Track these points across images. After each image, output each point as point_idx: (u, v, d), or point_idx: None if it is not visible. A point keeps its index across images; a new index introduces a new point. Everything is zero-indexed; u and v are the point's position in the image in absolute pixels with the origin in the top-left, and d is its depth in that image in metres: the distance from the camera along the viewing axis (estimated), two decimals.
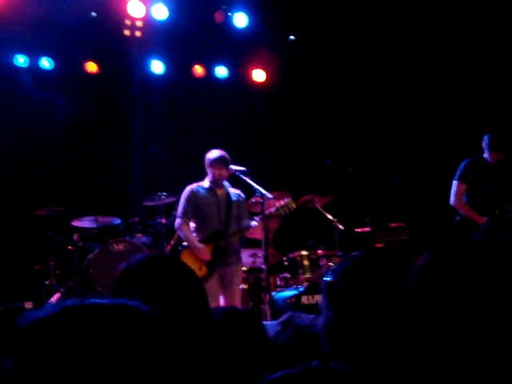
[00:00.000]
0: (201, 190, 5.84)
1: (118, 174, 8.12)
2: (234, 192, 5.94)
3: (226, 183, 5.90)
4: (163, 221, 7.12)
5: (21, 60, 7.79)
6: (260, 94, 8.67)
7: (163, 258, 2.01)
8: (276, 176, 8.02)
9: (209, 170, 5.80)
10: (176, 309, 1.74)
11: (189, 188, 5.87)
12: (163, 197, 7.23)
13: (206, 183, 5.85)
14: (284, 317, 2.23)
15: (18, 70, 7.83)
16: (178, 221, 5.87)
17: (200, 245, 5.70)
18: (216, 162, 5.71)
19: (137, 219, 7.36)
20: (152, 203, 7.34)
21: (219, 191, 5.85)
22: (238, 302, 5.71)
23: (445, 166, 6.71)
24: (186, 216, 5.81)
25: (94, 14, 7.55)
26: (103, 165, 8.12)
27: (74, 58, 8.06)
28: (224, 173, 5.74)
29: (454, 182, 6.04)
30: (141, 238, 7.21)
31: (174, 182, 7.33)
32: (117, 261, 6.64)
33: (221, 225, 5.78)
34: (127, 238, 7.14)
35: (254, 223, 5.77)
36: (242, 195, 5.96)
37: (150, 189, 7.42)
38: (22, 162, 7.86)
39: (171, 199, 7.23)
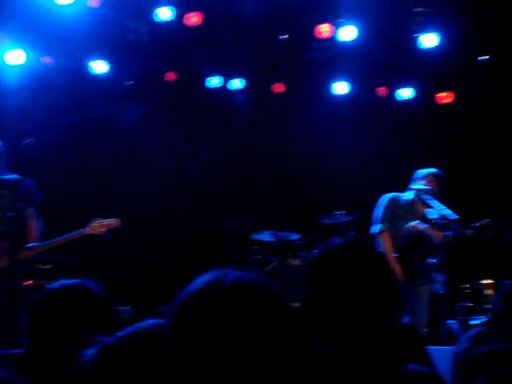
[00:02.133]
0: (401, 201, 5.77)
1: (299, 192, 8.33)
2: (436, 213, 5.61)
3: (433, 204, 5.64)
4: (339, 239, 7.13)
5: (214, 81, 8.37)
6: (447, 116, 8.42)
7: (366, 246, 1.79)
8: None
9: (415, 183, 5.71)
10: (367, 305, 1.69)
11: (390, 196, 5.77)
12: (339, 216, 7.30)
13: (407, 195, 5.79)
14: (474, 331, 2.14)
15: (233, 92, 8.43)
16: (376, 227, 5.68)
17: (395, 262, 5.39)
18: (430, 174, 5.66)
19: (314, 236, 7.48)
20: (329, 221, 7.42)
21: (419, 207, 5.70)
22: (422, 326, 5.49)
23: None
24: (387, 223, 5.64)
25: (284, 36, 7.86)
26: (284, 181, 8.38)
27: (263, 80, 8.48)
28: (431, 187, 5.62)
29: None
30: None
31: (352, 203, 7.36)
32: (293, 275, 6.80)
33: (410, 242, 5.61)
34: (304, 253, 7.27)
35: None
36: (453, 216, 5.46)
37: (327, 207, 7.51)
38: (209, 176, 8.40)
39: (348, 218, 7.27)
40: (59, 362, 1.75)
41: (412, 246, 5.58)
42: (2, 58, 6.84)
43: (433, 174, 5.68)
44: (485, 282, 6.53)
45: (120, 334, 1.32)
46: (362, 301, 1.56)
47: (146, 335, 1.29)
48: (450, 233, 5.47)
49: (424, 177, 5.68)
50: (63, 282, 2.01)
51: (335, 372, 1.50)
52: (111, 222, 4.74)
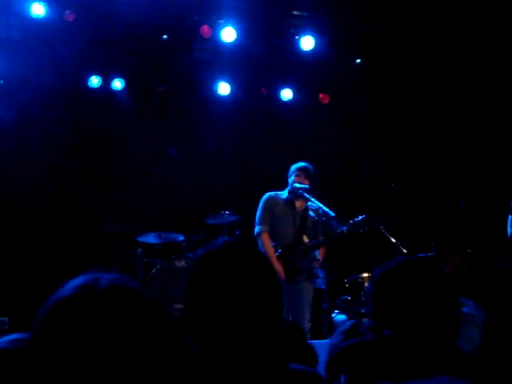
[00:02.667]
0: (278, 199, 5.77)
1: (183, 192, 8.29)
2: (316, 207, 5.59)
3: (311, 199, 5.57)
4: (225, 239, 7.16)
5: (94, 81, 8.12)
6: (325, 117, 8.70)
7: (247, 247, 1.76)
8: (340, 197, 7.98)
9: (290, 179, 5.74)
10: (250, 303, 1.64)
11: (267, 194, 5.80)
12: (226, 215, 7.30)
13: (284, 193, 5.82)
14: (347, 325, 2.21)
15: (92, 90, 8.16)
16: (256, 228, 5.68)
17: (277, 261, 5.42)
18: (298, 169, 5.65)
19: (200, 237, 7.45)
20: (215, 221, 7.42)
21: (298, 203, 5.73)
22: (306, 322, 5.60)
23: None
24: (265, 223, 5.65)
25: (165, 36, 7.78)
26: (169, 182, 8.31)
27: (145, 80, 8.34)
28: (306, 184, 5.57)
29: (510, 217, 5.99)
30: None
31: (238, 201, 7.41)
32: (178, 277, 6.75)
33: (293, 239, 5.63)
34: (190, 254, 7.23)
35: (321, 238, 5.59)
36: (330, 213, 5.40)
37: (213, 207, 7.51)
38: (89, 177, 8.15)
39: (234, 218, 7.30)
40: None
41: (293, 243, 5.67)
42: None
43: (300, 169, 5.62)
44: (364, 275, 6.80)
45: None
46: (244, 301, 1.56)
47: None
48: (334, 228, 5.57)
49: (293, 172, 5.70)
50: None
51: (212, 373, 1.50)
52: None
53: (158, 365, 0.97)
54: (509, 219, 6.09)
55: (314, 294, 6.74)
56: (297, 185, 5.60)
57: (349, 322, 2.20)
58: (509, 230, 6.06)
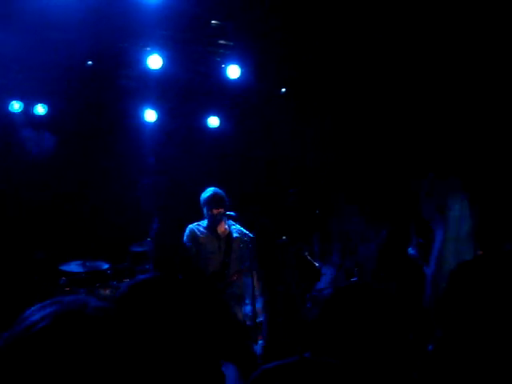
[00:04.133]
0: (200, 229, 5.77)
1: (107, 219, 8.14)
2: (238, 230, 5.70)
3: (230, 221, 5.72)
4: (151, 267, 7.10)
5: (16, 106, 7.93)
6: (251, 144, 8.83)
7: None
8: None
9: (204, 210, 5.74)
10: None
11: (188, 227, 5.81)
12: (151, 243, 7.23)
13: (205, 222, 5.79)
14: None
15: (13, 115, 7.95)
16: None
17: None
18: (208, 202, 5.67)
19: (125, 264, 7.34)
20: (141, 249, 7.34)
21: (220, 229, 5.76)
22: None
23: None
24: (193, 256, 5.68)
25: (89, 62, 7.70)
26: (93, 208, 8.16)
27: (69, 105, 8.21)
28: (221, 211, 5.62)
29: None
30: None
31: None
32: None
33: (220, 265, 5.66)
34: (114, 283, 7.10)
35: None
36: (250, 235, 5.50)
37: (139, 234, 7.43)
38: (7, 205, 7.89)
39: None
40: None
41: (220, 269, 5.70)
42: None
43: (209, 201, 5.66)
44: None
45: None
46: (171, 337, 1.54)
47: None
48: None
49: (204, 204, 5.73)
50: None
51: None
52: None
53: None
54: None
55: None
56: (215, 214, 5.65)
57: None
58: None
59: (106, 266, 7.34)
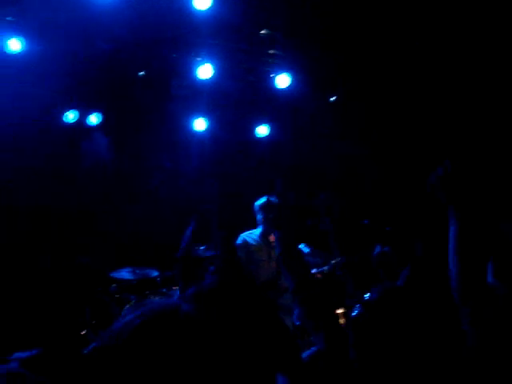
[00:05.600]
0: (253, 237, 5.76)
1: (158, 226, 8.24)
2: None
3: None
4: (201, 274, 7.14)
5: (70, 116, 8.14)
6: (301, 153, 8.81)
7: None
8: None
9: (258, 216, 5.72)
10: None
11: (240, 236, 5.81)
12: (201, 251, 7.27)
13: (257, 230, 5.77)
14: None
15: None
16: None
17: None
18: (265, 206, 5.66)
19: (175, 272, 7.40)
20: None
21: (272, 237, 5.67)
22: None
23: None
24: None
25: (142, 72, 7.84)
26: (142, 217, 8.27)
27: (122, 114, 8.38)
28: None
29: None
30: (177, 291, 7.23)
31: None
32: None
33: (272, 274, 5.62)
34: (164, 290, 7.17)
35: None
36: (306, 247, 5.49)
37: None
38: (61, 211, 8.09)
39: (210, 253, 7.27)
40: None
41: (273, 278, 5.65)
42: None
43: (264, 207, 5.69)
44: (338, 311, 6.79)
45: None
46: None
47: None
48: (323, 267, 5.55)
49: (258, 210, 5.72)
50: None
51: None
52: None
53: None
54: None
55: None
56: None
57: None
58: None
59: (155, 274, 7.43)
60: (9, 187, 7.79)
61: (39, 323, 7.09)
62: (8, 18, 6.51)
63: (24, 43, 6.79)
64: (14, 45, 6.76)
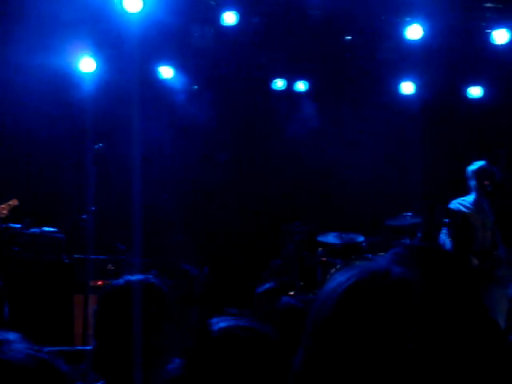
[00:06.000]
0: (465, 204, 5.49)
1: (363, 193, 8.24)
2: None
3: None
4: (407, 241, 7.02)
5: (279, 84, 8.40)
6: None
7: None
8: None
9: (471, 183, 5.41)
10: None
11: (452, 203, 5.58)
12: (408, 217, 7.15)
13: (470, 197, 5.49)
14: None
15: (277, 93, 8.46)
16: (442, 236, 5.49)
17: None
18: (481, 172, 5.39)
19: (380, 238, 7.37)
20: (396, 223, 7.29)
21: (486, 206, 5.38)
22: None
23: None
24: None
25: (348, 37, 7.81)
26: (349, 184, 8.31)
27: (328, 82, 8.46)
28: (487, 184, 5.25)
29: None
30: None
31: (420, 204, 7.21)
32: None
33: (487, 246, 5.34)
34: (369, 255, 7.17)
35: None
36: None
37: (394, 209, 7.37)
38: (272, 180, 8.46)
39: (416, 220, 7.12)
40: (127, 358, 1.80)
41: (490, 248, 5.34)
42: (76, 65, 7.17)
43: (477, 171, 5.30)
44: None
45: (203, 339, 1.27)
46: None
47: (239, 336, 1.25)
48: None
49: (472, 176, 5.34)
50: (128, 277, 2.01)
51: None
52: (10, 202, 5.09)
53: None
54: None
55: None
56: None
57: None
58: None
59: (361, 239, 7.46)
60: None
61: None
62: None
63: (238, 16, 7.13)
64: (230, 18, 7.14)
